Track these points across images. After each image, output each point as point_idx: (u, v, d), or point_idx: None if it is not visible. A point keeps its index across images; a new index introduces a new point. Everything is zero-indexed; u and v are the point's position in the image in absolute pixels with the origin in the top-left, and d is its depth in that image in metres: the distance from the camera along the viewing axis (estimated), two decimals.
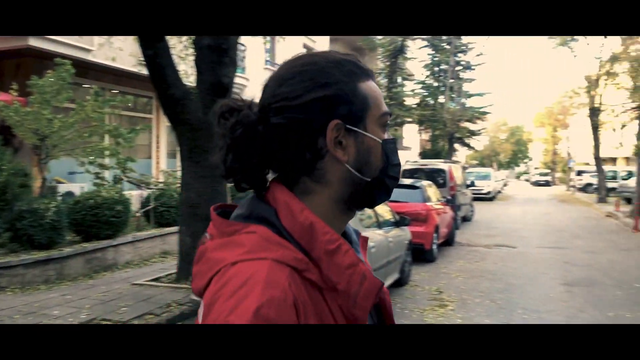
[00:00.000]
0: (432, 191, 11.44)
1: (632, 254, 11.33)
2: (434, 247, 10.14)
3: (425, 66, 34.76)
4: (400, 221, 7.86)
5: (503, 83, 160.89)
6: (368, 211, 6.95)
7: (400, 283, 7.92)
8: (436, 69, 34.39)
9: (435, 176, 15.28)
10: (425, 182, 11.36)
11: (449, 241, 12.00)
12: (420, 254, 9.70)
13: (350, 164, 0.85)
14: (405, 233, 8.14)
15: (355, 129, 0.85)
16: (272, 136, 0.83)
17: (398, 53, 16.42)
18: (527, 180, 69.00)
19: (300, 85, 0.83)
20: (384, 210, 7.69)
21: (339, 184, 0.86)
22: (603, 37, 22.34)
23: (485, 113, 38.03)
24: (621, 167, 34.21)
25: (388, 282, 7.16)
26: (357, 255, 0.83)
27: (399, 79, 29.94)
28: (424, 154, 34.21)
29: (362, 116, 0.86)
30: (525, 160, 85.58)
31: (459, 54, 33.38)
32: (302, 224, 0.81)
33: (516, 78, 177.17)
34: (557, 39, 24.35)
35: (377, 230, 6.92)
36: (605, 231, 15.68)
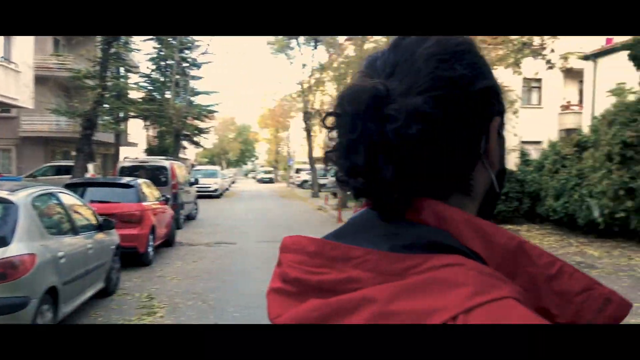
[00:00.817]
0: (148, 190, 10.79)
1: None
2: (150, 249, 9.53)
3: (151, 59, 33.57)
4: (104, 224, 7.05)
5: (232, 82, 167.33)
6: (59, 214, 6.00)
7: (106, 293, 7.13)
8: (162, 63, 33.51)
9: (157, 174, 14.71)
10: (140, 181, 10.64)
11: (168, 241, 11.52)
12: (133, 258, 9.01)
13: (494, 172, 0.70)
14: (111, 237, 7.36)
15: (502, 131, 0.72)
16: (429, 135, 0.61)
17: (112, 40, 15.16)
18: (253, 178, 72.96)
19: (468, 70, 0.65)
20: (83, 213, 6.79)
21: (480, 197, 0.70)
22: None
23: (212, 111, 38.76)
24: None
25: (89, 294, 6.33)
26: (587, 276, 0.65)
27: (122, 70, 28.09)
28: (150, 151, 32.98)
29: (503, 114, 0.72)
30: (252, 159, 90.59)
31: (185, 51, 33.14)
32: (506, 247, 0.62)
33: (244, 78, 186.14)
34: (276, 45, 26.15)
35: (73, 237, 6.01)
36: (316, 223, 17.29)
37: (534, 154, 19.59)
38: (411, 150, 0.60)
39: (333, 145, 0.65)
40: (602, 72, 19.42)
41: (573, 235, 12.45)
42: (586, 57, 21.08)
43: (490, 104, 0.68)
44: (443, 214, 0.62)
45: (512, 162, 18.66)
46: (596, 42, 26.06)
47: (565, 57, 21.68)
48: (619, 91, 14.21)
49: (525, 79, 23.85)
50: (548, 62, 18.20)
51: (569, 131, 24.55)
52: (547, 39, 17.81)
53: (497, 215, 14.57)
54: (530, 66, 18.50)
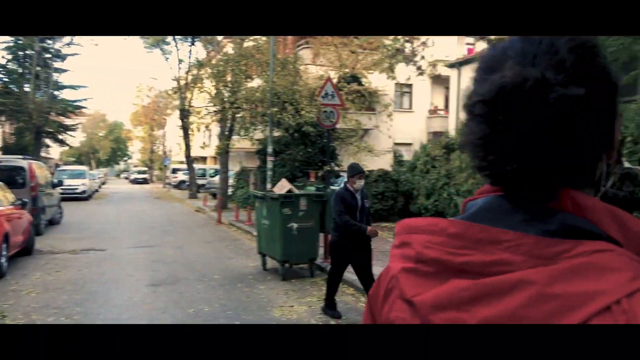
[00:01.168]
0: (1, 193, 9.60)
1: (214, 246, 12.22)
2: (3, 260, 8.46)
3: (7, 49, 30.32)
4: None
5: (102, 77, 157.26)
6: None
7: None
8: (20, 53, 30.42)
9: (12, 175, 13.22)
10: None
11: (27, 250, 10.37)
12: None
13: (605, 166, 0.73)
14: None
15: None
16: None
17: None
18: (126, 178, 69.25)
19: (605, 63, 0.68)
20: None
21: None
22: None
23: (80, 107, 36.05)
24: (209, 166, 37.83)
25: None
26: None
27: None
28: (6, 149, 29.78)
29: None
30: (125, 158, 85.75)
31: (47, 40, 30.38)
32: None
33: (117, 72, 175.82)
34: (150, 39, 24.84)
35: None
36: (194, 225, 16.67)
37: (406, 155, 20.68)
38: (566, 139, 0.62)
39: (479, 133, 0.65)
40: (465, 80, 21.00)
41: None
42: (451, 65, 22.65)
43: (617, 99, 0.70)
44: (582, 202, 0.65)
45: (387, 162, 19.50)
46: (460, 51, 28.21)
47: (433, 64, 23.16)
48: None
49: (397, 84, 25.08)
50: (419, 68, 19.31)
51: (436, 134, 26.27)
52: (418, 47, 18.87)
53: (374, 214, 15.10)
54: (403, 72, 19.50)
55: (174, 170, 42.52)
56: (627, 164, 6.57)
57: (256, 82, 17.72)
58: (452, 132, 17.10)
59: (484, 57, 0.72)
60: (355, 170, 6.24)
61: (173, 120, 42.87)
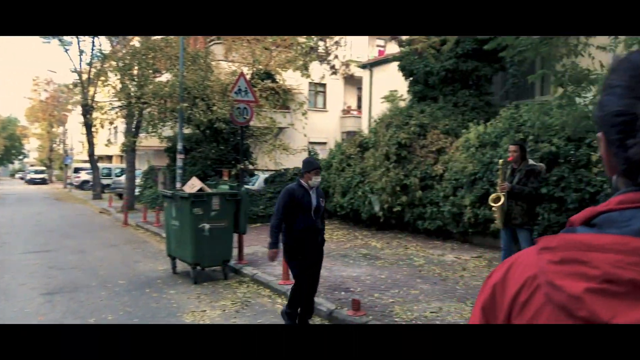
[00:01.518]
0: None
1: (120, 249, 11.47)
2: None
3: None
4: None
5: None
6: None
7: None
8: None
9: None
10: None
11: None
12: None
13: None
14: None
15: None
16: None
17: None
18: (22, 178, 64.42)
19: None
20: None
21: None
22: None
23: None
24: (115, 165, 35.95)
25: None
26: None
27: None
28: None
29: None
30: (20, 157, 79.69)
31: None
32: None
33: (9, 64, 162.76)
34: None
35: None
36: (98, 228, 15.63)
37: (321, 153, 20.72)
38: None
39: None
40: (377, 80, 21.36)
41: (357, 229, 13.35)
42: (364, 66, 22.98)
43: None
44: None
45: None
46: (371, 52, 28.80)
47: (347, 64, 23.41)
48: (391, 98, 15.72)
49: (311, 83, 25.15)
50: (332, 67, 19.41)
51: (349, 133, 26.60)
52: (332, 46, 18.97)
53: None
54: (317, 71, 19.54)
55: (77, 170, 40.09)
56: (531, 161, 6.86)
57: (165, 77, 16.94)
58: (365, 131, 17.30)
59: (630, 64, 0.72)
60: (312, 166, 5.50)
61: (75, 117, 40.25)
